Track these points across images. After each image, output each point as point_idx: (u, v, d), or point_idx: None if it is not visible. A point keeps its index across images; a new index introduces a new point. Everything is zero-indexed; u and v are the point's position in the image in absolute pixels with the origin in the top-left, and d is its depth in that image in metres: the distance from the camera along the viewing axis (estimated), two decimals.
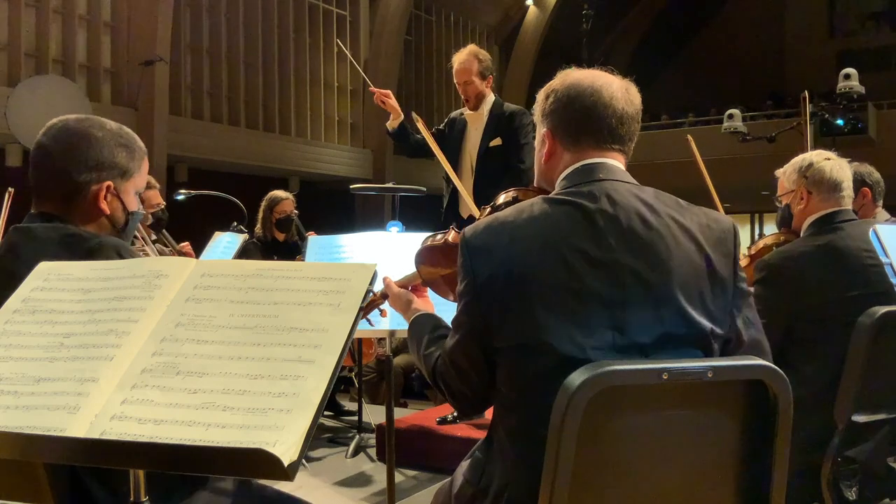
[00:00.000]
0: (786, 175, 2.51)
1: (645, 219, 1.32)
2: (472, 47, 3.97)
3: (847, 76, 7.34)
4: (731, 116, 8.56)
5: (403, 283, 1.82)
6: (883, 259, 2.10)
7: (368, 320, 1.98)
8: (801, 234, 2.43)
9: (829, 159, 2.43)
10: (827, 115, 8.51)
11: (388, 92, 3.88)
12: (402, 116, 3.91)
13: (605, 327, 1.26)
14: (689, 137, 3.47)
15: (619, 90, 1.43)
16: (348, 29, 14.61)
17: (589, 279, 1.27)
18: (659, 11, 21.95)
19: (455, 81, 3.89)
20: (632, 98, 1.44)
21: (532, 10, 17.81)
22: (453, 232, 1.73)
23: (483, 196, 3.66)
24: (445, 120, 4.13)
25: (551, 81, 1.49)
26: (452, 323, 1.43)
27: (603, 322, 1.26)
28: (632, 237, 1.31)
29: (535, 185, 1.57)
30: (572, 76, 1.46)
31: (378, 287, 1.85)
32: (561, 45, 17.42)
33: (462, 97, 3.92)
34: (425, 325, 1.62)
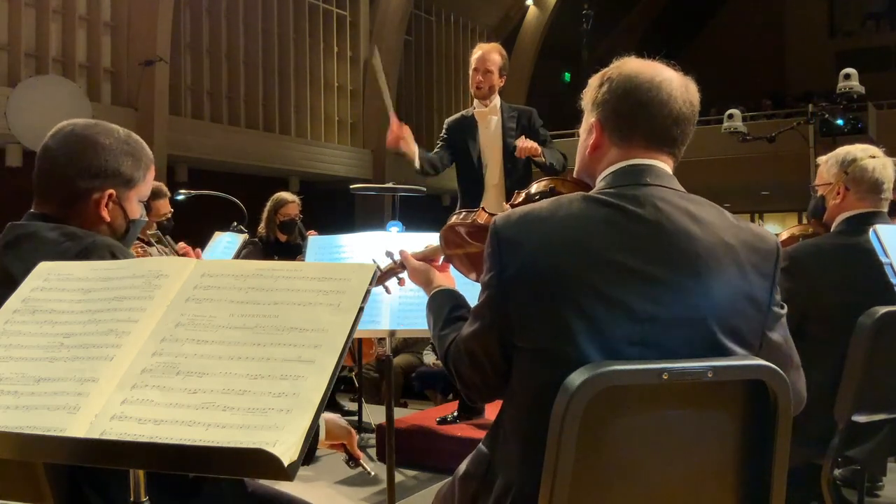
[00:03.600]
0: (826, 165, 2.42)
1: (689, 233, 1.25)
2: (496, 44, 4.06)
3: (847, 76, 7.34)
4: (731, 116, 8.56)
5: (424, 256, 1.77)
6: (883, 259, 2.09)
7: (386, 287, 1.93)
8: (833, 229, 2.37)
9: (874, 157, 2.34)
10: (827, 115, 8.50)
11: (405, 131, 3.87)
12: (417, 150, 3.93)
13: (630, 343, 1.21)
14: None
15: (678, 88, 1.34)
16: (348, 29, 14.61)
17: (621, 290, 1.21)
18: (659, 12, 21.95)
19: (473, 68, 3.92)
20: (691, 97, 1.35)
21: (532, 10, 17.80)
22: (484, 213, 1.66)
23: (547, 160, 3.79)
24: (444, 127, 4.14)
25: (607, 68, 1.39)
26: (472, 311, 1.38)
27: (630, 337, 1.21)
28: (673, 251, 1.24)
29: (575, 175, 1.49)
30: (631, 66, 1.36)
31: (396, 256, 1.82)
32: (561, 45, 17.42)
33: (473, 86, 3.94)
34: (444, 302, 1.57)
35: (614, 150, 1.36)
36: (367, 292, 1.11)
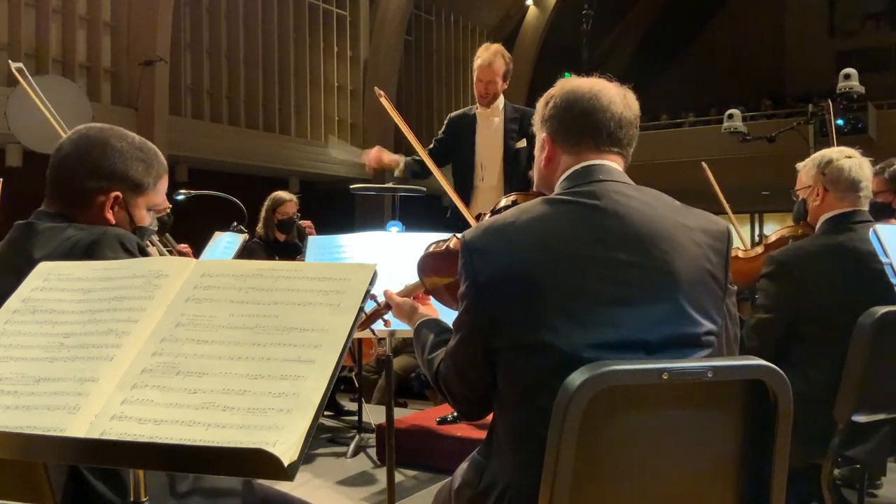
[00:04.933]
0: (805, 169, 2.48)
1: (647, 218, 1.33)
2: (497, 46, 3.94)
3: (847, 76, 7.33)
4: (731, 116, 8.56)
5: (406, 293, 1.82)
6: (883, 259, 2.10)
7: (372, 331, 1.98)
8: (816, 231, 2.42)
9: (850, 157, 2.39)
10: (827, 115, 8.50)
11: (378, 151, 3.87)
12: (402, 160, 3.92)
13: (606, 325, 1.26)
14: (705, 165, 3.43)
15: (616, 95, 1.44)
16: (348, 29, 14.61)
17: (590, 278, 1.27)
18: (659, 11, 21.95)
19: (476, 77, 3.87)
20: (629, 103, 1.45)
21: (532, 10, 17.81)
22: (454, 238, 1.72)
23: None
24: (446, 122, 4.12)
25: (550, 89, 1.50)
26: (454, 324, 1.43)
27: (604, 320, 1.26)
28: (634, 236, 1.30)
29: (534, 189, 1.57)
30: (570, 83, 1.47)
31: (380, 297, 1.85)
32: (561, 45, 17.41)
33: (477, 94, 3.91)
34: (429, 331, 1.62)
35: (566, 157, 1.46)
36: (367, 292, 1.12)
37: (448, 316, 1.73)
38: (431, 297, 1.84)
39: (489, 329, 1.31)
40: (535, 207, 1.36)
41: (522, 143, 3.88)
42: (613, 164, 1.43)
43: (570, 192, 1.37)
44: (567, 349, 1.23)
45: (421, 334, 1.64)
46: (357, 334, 1.11)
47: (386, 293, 1.84)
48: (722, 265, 1.37)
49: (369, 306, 1.88)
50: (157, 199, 1.67)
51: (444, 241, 1.78)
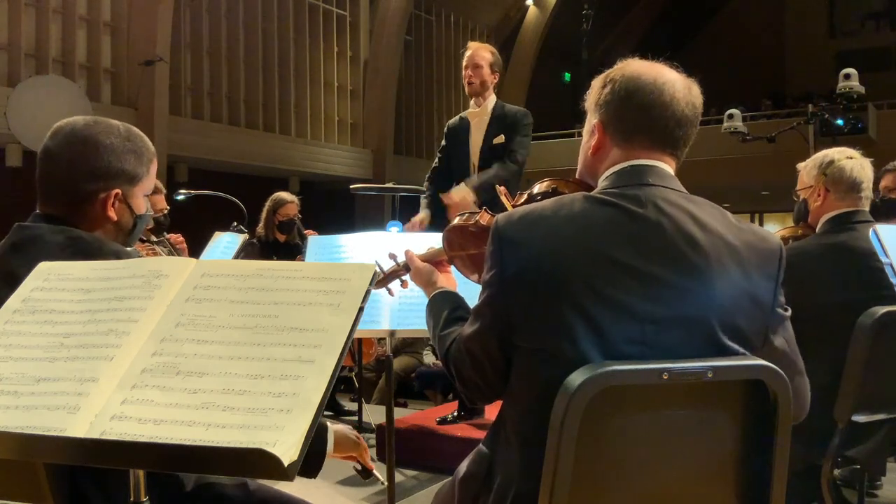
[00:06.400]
0: (806, 170, 2.47)
1: (691, 234, 1.25)
2: (488, 45, 4.12)
3: (847, 76, 7.32)
4: (731, 116, 8.55)
5: (427, 258, 1.77)
6: (883, 259, 2.10)
7: (389, 289, 1.93)
8: (817, 231, 2.41)
9: (851, 158, 2.39)
10: (827, 115, 8.49)
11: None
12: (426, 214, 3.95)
13: (631, 342, 1.21)
14: None
15: (681, 90, 1.34)
16: (348, 29, 14.61)
17: (622, 289, 1.21)
18: (659, 11, 21.95)
19: (464, 65, 3.97)
20: (693, 99, 1.36)
21: (532, 10, 17.80)
22: (486, 214, 1.66)
23: (483, 191, 3.70)
24: (444, 132, 4.17)
25: (610, 69, 1.40)
26: (473, 311, 1.38)
27: (630, 336, 1.21)
28: (675, 251, 1.24)
29: (577, 176, 1.49)
30: (634, 67, 1.37)
31: (400, 258, 1.82)
32: (561, 45, 17.43)
33: (465, 83, 3.98)
34: (444, 304, 1.57)
35: (616, 150, 1.37)
36: (368, 292, 1.11)
37: (466, 289, 1.69)
38: (452, 266, 1.78)
39: (509, 325, 1.27)
40: (575, 203, 1.28)
41: (500, 139, 3.91)
42: (666, 166, 1.34)
43: (615, 194, 1.29)
44: (585, 359, 1.18)
45: (436, 305, 1.59)
46: (357, 331, 1.10)
47: (407, 253, 1.78)
48: (770, 288, 1.29)
49: (388, 265, 1.86)
50: (151, 185, 1.66)
51: (473, 213, 1.71)
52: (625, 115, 1.35)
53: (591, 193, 1.33)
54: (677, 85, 1.35)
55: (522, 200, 1.57)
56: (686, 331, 1.23)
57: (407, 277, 1.84)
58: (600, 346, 1.20)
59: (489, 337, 1.31)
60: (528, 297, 1.25)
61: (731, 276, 1.26)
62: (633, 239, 1.24)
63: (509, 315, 1.27)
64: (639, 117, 1.34)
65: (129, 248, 1.54)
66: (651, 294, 1.22)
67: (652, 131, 1.34)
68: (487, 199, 3.44)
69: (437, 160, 4.15)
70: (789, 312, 1.36)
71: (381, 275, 1.85)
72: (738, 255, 1.27)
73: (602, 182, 1.37)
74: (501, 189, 1.74)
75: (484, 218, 1.67)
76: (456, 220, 1.74)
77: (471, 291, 1.46)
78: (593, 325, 1.21)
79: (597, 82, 1.42)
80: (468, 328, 1.37)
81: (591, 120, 1.41)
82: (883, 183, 3.45)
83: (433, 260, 1.77)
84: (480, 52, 3.95)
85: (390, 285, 1.91)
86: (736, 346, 1.25)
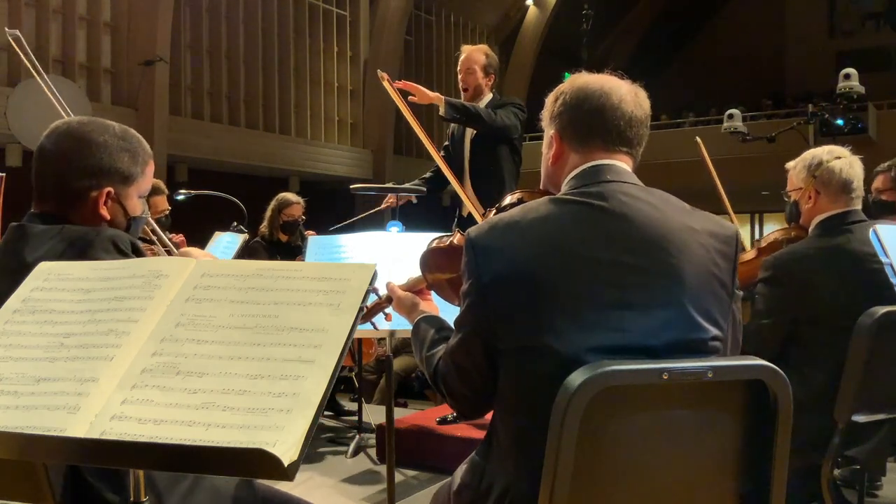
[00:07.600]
0: (795, 171, 2.46)
1: (654, 221, 1.31)
2: (483, 45, 4.09)
3: (847, 76, 7.31)
4: (731, 116, 8.54)
5: (408, 288, 1.82)
6: (883, 259, 2.10)
7: (373, 324, 1.97)
8: (810, 233, 2.40)
9: (839, 157, 2.36)
10: (827, 115, 8.49)
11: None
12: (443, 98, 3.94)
13: (610, 330, 1.24)
14: (699, 140, 3.41)
15: (627, 94, 1.42)
16: (348, 29, 14.61)
17: (595, 281, 1.26)
18: (659, 11, 21.96)
19: (458, 69, 3.98)
20: (640, 102, 1.43)
21: (532, 10, 17.81)
22: (458, 234, 1.71)
23: (479, 185, 3.77)
24: (448, 135, 4.18)
25: (560, 85, 1.48)
26: (455, 323, 1.42)
27: (609, 324, 1.24)
28: (640, 239, 1.29)
29: (541, 187, 1.55)
30: (581, 80, 1.45)
31: (382, 291, 1.85)
32: (561, 45, 17.44)
33: (461, 86, 3.99)
34: (429, 327, 1.61)
35: (574, 156, 1.43)
36: (367, 292, 1.12)
37: (448, 312, 1.73)
38: (433, 292, 1.83)
39: (491, 329, 1.30)
40: (541, 207, 1.34)
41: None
42: (622, 164, 1.41)
43: (578, 193, 1.35)
44: (570, 353, 1.22)
45: (420, 330, 1.63)
46: (357, 331, 1.10)
47: (388, 285, 1.83)
48: (729, 270, 1.35)
49: (371, 299, 1.89)
50: (146, 186, 1.66)
51: (448, 236, 1.77)
52: (578, 121, 1.43)
53: (556, 196, 1.39)
54: (623, 89, 1.43)
55: (493, 213, 1.61)
56: (663, 314, 1.27)
57: (390, 309, 1.89)
58: (581, 339, 1.23)
59: (474, 343, 1.34)
60: (506, 298, 1.28)
61: (698, 257, 1.31)
62: (602, 231, 1.29)
63: (490, 320, 1.30)
64: (591, 121, 1.41)
65: (124, 235, 1.52)
66: (625, 282, 1.27)
67: (605, 132, 1.41)
68: (453, 117, 3.67)
69: (443, 151, 4.15)
70: (741, 294, 1.42)
71: (365, 309, 1.87)
72: (701, 238, 1.33)
73: (564, 186, 1.43)
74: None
75: (457, 238, 1.72)
76: (433, 244, 1.79)
77: (453, 315, 1.49)
78: (573, 319, 1.24)
79: (549, 98, 1.50)
80: (452, 340, 1.41)
81: (549, 132, 1.49)
82: (875, 184, 3.43)
83: (414, 289, 1.82)
84: (472, 56, 3.94)
85: (374, 320, 1.95)
86: (710, 327, 1.30)
